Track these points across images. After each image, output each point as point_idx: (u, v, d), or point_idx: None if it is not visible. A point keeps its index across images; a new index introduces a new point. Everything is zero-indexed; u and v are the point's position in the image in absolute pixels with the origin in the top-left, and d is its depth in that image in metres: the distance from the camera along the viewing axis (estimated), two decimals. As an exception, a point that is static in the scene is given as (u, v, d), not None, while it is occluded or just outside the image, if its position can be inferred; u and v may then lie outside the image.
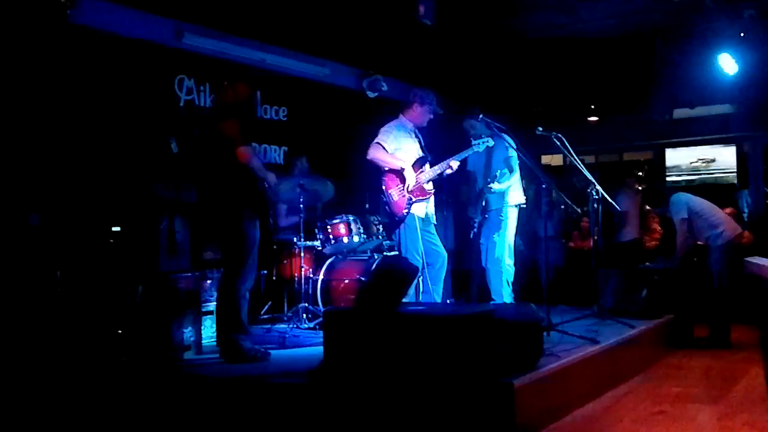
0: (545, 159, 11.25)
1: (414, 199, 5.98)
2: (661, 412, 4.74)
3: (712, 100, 10.23)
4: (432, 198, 6.18)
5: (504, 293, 6.52)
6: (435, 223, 6.25)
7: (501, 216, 6.58)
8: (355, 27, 7.63)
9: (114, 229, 5.98)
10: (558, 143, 6.20)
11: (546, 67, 9.36)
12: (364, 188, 7.26)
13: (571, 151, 6.19)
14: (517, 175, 6.65)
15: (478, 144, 6.12)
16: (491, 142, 6.15)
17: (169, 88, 6.92)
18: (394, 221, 6.08)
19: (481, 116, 6.05)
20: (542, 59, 9.12)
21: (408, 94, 6.32)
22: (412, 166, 6.04)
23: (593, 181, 6.47)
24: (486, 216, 6.64)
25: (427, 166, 6.10)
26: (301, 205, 6.27)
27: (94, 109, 6.08)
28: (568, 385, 4.78)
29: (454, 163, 6.09)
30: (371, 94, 8.83)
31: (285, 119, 8.12)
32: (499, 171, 6.40)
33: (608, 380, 5.39)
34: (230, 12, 6.92)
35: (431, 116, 6.20)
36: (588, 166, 6.59)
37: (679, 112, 10.77)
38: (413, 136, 6.20)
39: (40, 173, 5.73)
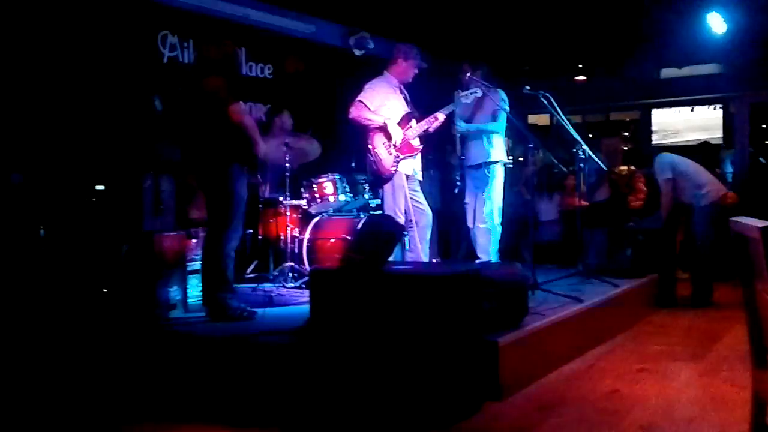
0: (532, 119, 11.22)
1: (402, 156, 5.92)
2: (644, 370, 4.80)
3: (700, 60, 10.22)
4: (419, 155, 6.13)
5: (491, 252, 6.52)
6: (420, 179, 6.21)
7: (487, 172, 6.48)
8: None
9: (97, 187, 5.92)
10: (545, 102, 6.18)
11: (533, 26, 9.28)
12: (350, 147, 7.22)
13: (559, 111, 6.17)
14: (500, 132, 6.55)
15: (466, 95, 6.07)
16: (479, 92, 6.09)
17: (153, 44, 6.81)
18: (380, 179, 6.01)
19: (468, 75, 5.99)
20: (529, 18, 9.04)
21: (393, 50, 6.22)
22: (399, 122, 5.97)
23: (580, 140, 6.46)
24: (469, 173, 6.60)
25: (414, 121, 6.02)
26: (287, 164, 6.23)
27: (77, 66, 5.98)
28: (552, 344, 4.83)
29: (441, 116, 6.00)
30: (358, 52, 8.74)
31: (270, 77, 8.03)
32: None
33: (592, 338, 5.45)
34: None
35: (416, 71, 6.12)
36: (575, 126, 6.56)
37: (667, 72, 10.77)
38: (398, 92, 6.12)
39: (22, 132, 5.65)
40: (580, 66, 11.01)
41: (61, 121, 5.84)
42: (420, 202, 6.07)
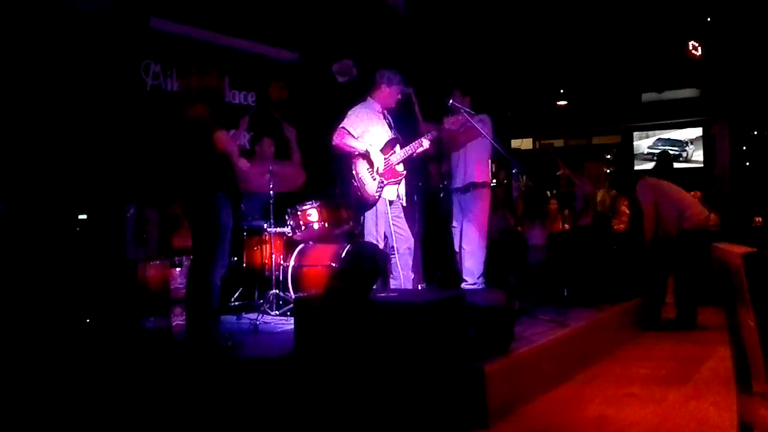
0: (515, 143, 11.29)
1: (386, 182, 5.92)
2: (631, 394, 4.80)
3: (680, 84, 10.35)
4: (403, 180, 6.12)
5: (477, 276, 6.53)
6: (405, 205, 6.20)
7: (475, 195, 6.52)
8: (325, 13, 7.56)
9: (80, 216, 5.89)
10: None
11: (516, 53, 9.36)
12: (334, 173, 7.21)
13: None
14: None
15: (450, 122, 6.08)
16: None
17: (136, 72, 6.81)
18: (364, 205, 5.99)
19: (451, 102, 6.02)
20: (512, 44, 9.12)
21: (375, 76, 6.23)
22: (382, 148, 5.97)
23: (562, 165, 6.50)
24: (456, 196, 6.62)
25: (398, 147, 6.02)
26: (271, 192, 6.22)
27: (60, 95, 5.97)
28: (539, 369, 4.83)
29: (426, 142, 6.01)
30: (341, 80, 8.76)
31: (253, 104, 8.03)
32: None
33: (578, 363, 5.44)
34: (196, 5, 6.82)
35: (399, 97, 6.14)
36: (557, 150, 6.61)
37: (647, 96, 10.90)
38: (381, 117, 6.11)
39: (4, 160, 5.61)
40: (562, 91, 11.11)
41: (43, 150, 5.82)
42: (402, 228, 6.04)
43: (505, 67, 9.82)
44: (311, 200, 6.68)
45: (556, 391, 4.91)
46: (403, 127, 6.24)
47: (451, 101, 6.01)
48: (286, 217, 6.63)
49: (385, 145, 5.98)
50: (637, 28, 8.47)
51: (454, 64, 9.23)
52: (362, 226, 6.09)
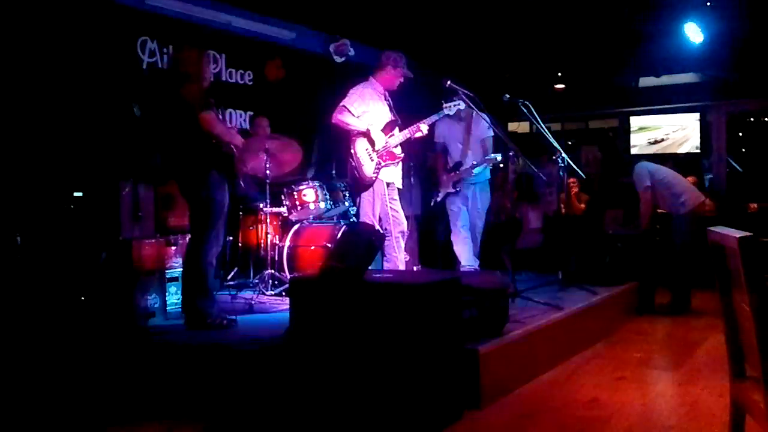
0: (511, 126, 11.26)
1: (383, 163, 5.91)
2: (623, 378, 4.82)
3: (678, 69, 10.31)
4: (400, 163, 6.12)
5: (473, 259, 6.58)
6: (401, 188, 6.21)
7: (480, 182, 6.69)
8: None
9: (75, 194, 5.86)
10: (525, 110, 6.22)
11: (513, 35, 9.31)
12: (330, 154, 7.20)
13: (538, 118, 6.21)
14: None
15: (449, 107, 6.06)
16: (462, 105, 6.10)
17: (132, 50, 6.75)
18: (361, 185, 5.98)
19: (449, 83, 5.99)
20: (510, 26, 9.07)
21: (377, 57, 6.21)
22: (382, 129, 5.96)
23: (559, 148, 6.49)
24: (459, 188, 6.68)
25: (397, 129, 6.01)
26: (267, 171, 6.20)
27: (55, 72, 5.92)
28: (532, 351, 4.85)
29: (424, 126, 6.00)
30: (338, 59, 8.73)
31: (250, 83, 8.00)
32: (492, 155, 6.57)
33: (571, 346, 5.47)
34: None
35: (401, 80, 6.12)
36: (554, 134, 6.60)
37: (645, 81, 10.86)
38: (383, 99, 6.10)
39: (-2, 137, 5.59)
40: (559, 74, 11.07)
41: (38, 127, 5.77)
42: (396, 211, 6.03)
43: (502, 50, 9.78)
44: (307, 180, 6.67)
45: (550, 373, 4.93)
46: (403, 111, 6.23)
47: (449, 83, 5.98)
48: (282, 197, 6.63)
49: (385, 126, 5.97)
50: (636, 12, 8.43)
51: (451, 46, 9.19)
52: (358, 206, 6.09)
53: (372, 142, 5.90)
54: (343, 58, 8.75)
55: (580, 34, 9.15)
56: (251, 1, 7.48)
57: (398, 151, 6.02)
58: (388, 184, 5.98)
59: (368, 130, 5.88)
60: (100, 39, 6.32)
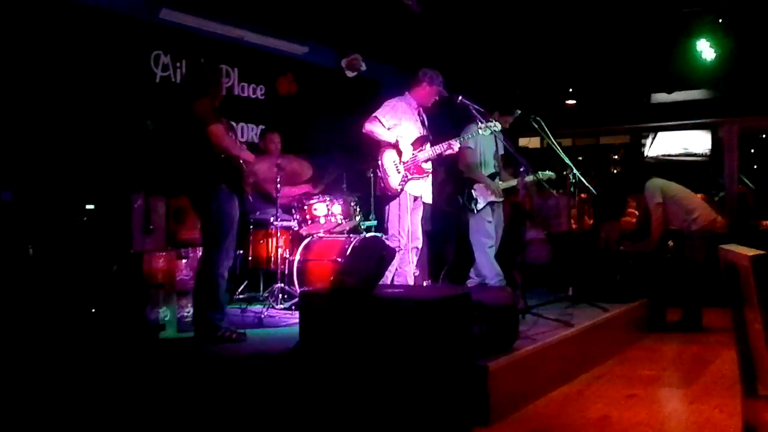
0: (522, 141, 11.26)
1: (410, 176, 5.91)
2: (634, 395, 4.79)
3: (690, 85, 10.30)
4: (429, 178, 6.12)
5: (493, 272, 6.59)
6: (428, 202, 6.22)
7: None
8: (335, 6, 7.55)
9: (87, 207, 5.89)
10: (536, 126, 6.22)
11: (525, 50, 9.34)
12: (341, 168, 7.21)
13: (549, 134, 6.20)
14: None
15: (484, 128, 6.05)
16: (498, 127, 6.09)
17: (145, 63, 6.81)
18: (386, 196, 5.99)
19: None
20: (521, 42, 9.10)
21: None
22: (412, 143, 5.97)
23: (570, 164, 6.49)
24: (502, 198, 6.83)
25: (428, 145, 6.00)
26: (278, 185, 6.22)
27: (69, 85, 5.98)
28: (543, 368, 4.82)
29: (456, 145, 5.99)
30: (350, 74, 8.76)
31: (263, 98, 8.04)
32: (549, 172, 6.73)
33: (582, 363, 5.44)
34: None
35: (437, 98, 6.14)
36: (565, 149, 6.60)
37: (657, 97, 10.85)
38: (416, 114, 6.12)
39: (12, 149, 5.62)
40: (571, 90, 11.08)
41: (52, 139, 5.82)
42: (416, 227, 6.04)
43: (515, 66, 9.80)
44: (318, 195, 6.68)
45: (560, 390, 4.91)
46: (436, 129, 6.24)
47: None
48: (293, 211, 6.64)
49: (415, 141, 5.98)
50: (648, 28, 8.43)
51: (464, 62, 9.21)
52: (386, 218, 6.06)
53: (399, 154, 5.91)
54: (355, 73, 8.78)
55: (592, 50, 9.17)
56: (264, 16, 7.53)
57: (427, 166, 6.00)
58: (415, 198, 5.98)
59: (397, 141, 5.89)
60: (114, 52, 6.38)
